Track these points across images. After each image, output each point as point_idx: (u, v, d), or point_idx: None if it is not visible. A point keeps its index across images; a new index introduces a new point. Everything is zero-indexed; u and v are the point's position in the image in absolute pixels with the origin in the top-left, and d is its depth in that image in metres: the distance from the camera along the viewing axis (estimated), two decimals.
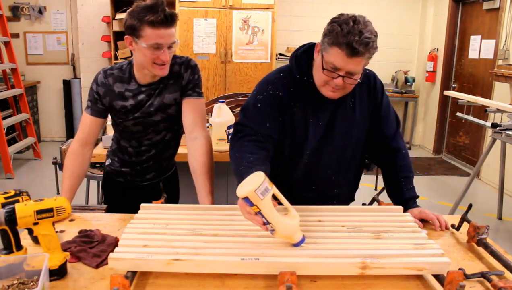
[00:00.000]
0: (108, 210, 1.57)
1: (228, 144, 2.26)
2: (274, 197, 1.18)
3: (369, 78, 1.55)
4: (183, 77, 1.65)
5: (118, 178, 1.85)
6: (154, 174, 1.84)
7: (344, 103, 1.50)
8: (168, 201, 1.58)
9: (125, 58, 5.37)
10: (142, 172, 1.82)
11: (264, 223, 1.15)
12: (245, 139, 1.41)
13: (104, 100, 1.65)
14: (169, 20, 1.47)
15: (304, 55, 1.48)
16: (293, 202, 1.31)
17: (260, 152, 1.37)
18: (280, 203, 1.21)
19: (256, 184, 1.11)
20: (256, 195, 1.10)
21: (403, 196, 1.54)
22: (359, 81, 1.39)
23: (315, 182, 1.57)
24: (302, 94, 1.47)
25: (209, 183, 1.58)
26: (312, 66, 1.46)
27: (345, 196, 1.67)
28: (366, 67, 1.49)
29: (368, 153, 1.68)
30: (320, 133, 1.50)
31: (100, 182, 3.00)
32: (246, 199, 1.12)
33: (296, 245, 1.16)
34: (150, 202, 1.46)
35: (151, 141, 1.76)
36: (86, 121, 1.67)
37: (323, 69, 1.36)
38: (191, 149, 1.64)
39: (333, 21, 1.34)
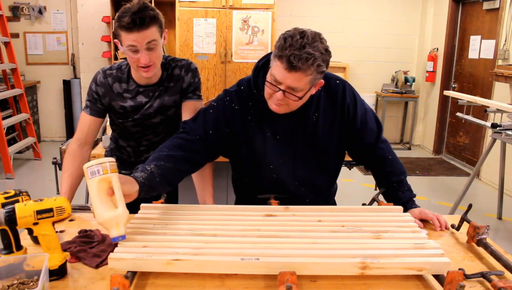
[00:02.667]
0: None
1: None
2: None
3: (337, 90, 1.49)
4: (184, 80, 1.67)
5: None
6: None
7: (306, 118, 1.46)
8: (167, 201, 1.58)
9: (125, 58, 5.35)
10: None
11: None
12: (179, 135, 1.45)
13: (103, 100, 1.66)
14: (138, 23, 1.43)
15: (263, 67, 1.45)
16: (298, 203, 1.31)
17: (178, 151, 1.39)
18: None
19: (90, 163, 1.14)
20: (86, 173, 1.14)
21: (400, 200, 1.54)
22: (299, 98, 1.33)
23: (286, 192, 1.56)
24: (258, 107, 1.46)
25: (209, 183, 1.59)
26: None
27: (319, 204, 1.58)
28: (340, 77, 1.50)
29: (357, 160, 1.68)
30: (280, 148, 1.49)
31: None
32: (91, 173, 1.15)
33: (113, 240, 1.14)
34: (150, 202, 1.46)
35: (150, 142, 1.77)
36: (84, 121, 1.66)
37: (266, 81, 1.35)
38: None
39: (283, 34, 1.30)
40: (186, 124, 1.49)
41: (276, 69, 1.29)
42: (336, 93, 1.49)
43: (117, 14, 1.50)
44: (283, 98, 1.33)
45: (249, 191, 1.63)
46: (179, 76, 1.67)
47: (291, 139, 1.48)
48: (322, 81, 1.38)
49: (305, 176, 1.55)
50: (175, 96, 1.68)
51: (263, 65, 1.47)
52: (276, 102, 1.36)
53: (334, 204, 1.73)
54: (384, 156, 1.58)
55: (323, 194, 1.65)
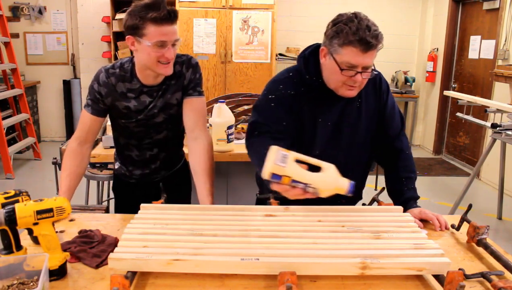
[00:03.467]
0: (118, 212, 1.56)
1: (228, 144, 2.29)
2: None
3: (375, 78, 1.55)
4: (185, 76, 1.64)
5: (130, 180, 1.83)
6: (163, 170, 1.84)
7: (352, 102, 1.51)
8: (180, 195, 1.59)
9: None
10: (150, 170, 1.81)
11: (304, 189, 1.12)
12: (263, 136, 1.41)
13: (106, 100, 1.62)
14: (172, 16, 1.45)
15: (311, 56, 1.49)
16: (299, 202, 1.31)
17: (279, 143, 1.34)
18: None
19: (272, 156, 1.08)
20: (278, 166, 1.08)
21: (403, 196, 1.54)
22: (376, 72, 1.42)
23: None
24: (311, 94, 1.48)
25: (209, 183, 1.58)
26: (319, 66, 1.47)
27: (353, 195, 1.66)
28: (372, 68, 1.51)
29: (373, 153, 1.69)
30: (328, 134, 1.52)
31: (103, 183, 3.01)
32: (274, 176, 1.08)
33: (349, 192, 1.13)
34: (150, 202, 1.46)
35: (152, 140, 1.75)
36: (85, 120, 1.63)
37: (341, 70, 1.36)
38: (192, 149, 1.64)
39: (336, 22, 1.35)
40: (257, 123, 1.45)
41: (350, 55, 1.34)
42: (375, 80, 1.55)
43: (134, 9, 1.45)
44: (361, 80, 1.39)
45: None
46: (180, 72, 1.63)
47: (339, 125, 1.52)
48: None
49: (346, 163, 1.56)
50: (177, 93, 1.65)
51: (310, 54, 1.50)
52: (350, 87, 1.41)
53: (361, 198, 1.74)
54: (402, 148, 1.62)
55: (358, 184, 1.67)
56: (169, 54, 1.48)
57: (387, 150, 1.63)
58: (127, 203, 1.77)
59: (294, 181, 1.10)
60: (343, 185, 1.13)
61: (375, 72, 1.52)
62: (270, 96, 1.49)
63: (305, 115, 1.48)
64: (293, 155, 1.12)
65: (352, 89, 1.42)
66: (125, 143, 1.77)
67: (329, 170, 1.14)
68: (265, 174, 1.11)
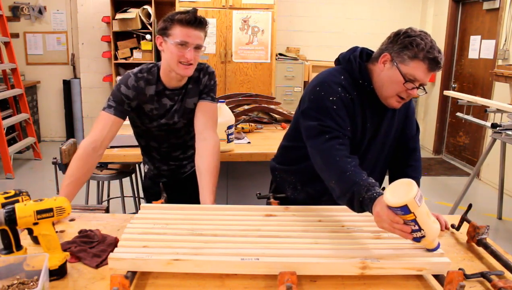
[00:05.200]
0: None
1: (228, 144, 2.29)
2: None
3: None
4: (201, 82, 1.74)
5: (161, 179, 1.88)
6: (189, 165, 1.91)
7: (389, 109, 1.52)
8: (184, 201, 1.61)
9: (125, 58, 5.37)
10: (176, 165, 1.89)
11: (412, 232, 1.11)
12: (335, 141, 1.37)
13: (132, 103, 1.66)
14: (198, 21, 1.57)
15: (360, 60, 1.48)
16: (299, 202, 1.29)
17: (354, 157, 1.36)
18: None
19: (414, 191, 1.08)
20: (415, 203, 1.07)
21: None
22: (425, 92, 1.45)
23: None
24: (362, 98, 1.48)
25: (212, 183, 1.59)
26: (368, 72, 1.46)
27: None
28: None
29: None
30: (373, 137, 1.53)
31: (103, 183, 3.01)
32: (403, 207, 1.07)
33: (433, 250, 1.15)
34: (150, 202, 1.46)
35: (170, 144, 1.82)
36: (106, 121, 1.61)
37: (405, 81, 1.37)
38: (199, 149, 1.67)
39: (409, 35, 1.36)
40: (327, 127, 1.39)
41: (417, 69, 1.36)
42: None
43: (168, 15, 1.60)
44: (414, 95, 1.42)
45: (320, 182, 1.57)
46: (197, 78, 1.74)
47: (377, 130, 1.53)
48: None
49: (375, 165, 1.60)
50: (194, 98, 1.75)
51: (359, 57, 1.49)
52: (400, 100, 1.43)
53: None
54: (415, 149, 1.66)
55: (379, 183, 1.69)
56: (189, 55, 1.58)
57: (401, 150, 1.65)
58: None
59: (414, 221, 1.10)
60: (436, 242, 1.15)
61: (425, 92, 1.52)
62: (331, 98, 1.43)
63: (357, 119, 1.48)
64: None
65: (401, 102, 1.44)
66: (146, 145, 1.85)
67: (437, 223, 1.15)
68: (398, 202, 1.08)
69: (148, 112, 1.70)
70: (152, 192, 1.95)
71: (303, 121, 1.47)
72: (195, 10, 1.59)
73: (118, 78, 1.69)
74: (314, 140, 1.40)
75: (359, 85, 1.47)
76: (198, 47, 1.60)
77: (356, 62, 1.47)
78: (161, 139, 1.80)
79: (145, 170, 1.99)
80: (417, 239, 1.13)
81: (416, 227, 1.11)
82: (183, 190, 1.93)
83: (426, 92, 1.44)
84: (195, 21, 1.57)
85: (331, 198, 1.36)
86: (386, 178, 1.67)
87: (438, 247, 1.16)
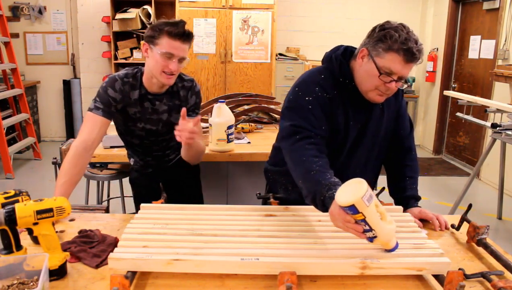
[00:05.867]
0: (138, 204, 1.58)
1: (228, 144, 2.29)
2: None
3: None
4: (188, 102, 1.81)
5: (148, 170, 1.96)
6: (174, 153, 1.96)
7: (377, 106, 1.52)
8: (194, 177, 1.71)
9: (125, 58, 5.37)
10: (161, 156, 1.93)
11: (364, 231, 1.12)
12: (305, 141, 1.38)
13: (118, 105, 1.72)
14: (186, 35, 1.63)
15: (342, 58, 1.48)
16: (299, 203, 1.29)
17: (323, 156, 1.36)
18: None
19: (362, 190, 1.08)
20: (363, 202, 1.07)
21: (405, 193, 1.56)
22: (408, 84, 1.42)
23: (344, 181, 1.57)
24: (344, 96, 1.48)
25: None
26: (350, 69, 1.47)
27: None
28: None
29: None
30: (355, 136, 1.52)
31: (103, 183, 3.01)
32: (351, 207, 1.08)
33: (391, 250, 1.14)
34: (150, 202, 1.46)
35: (150, 141, 1.86)
36: (95, 122, 1.65)
37: (380, 74, 1.36)
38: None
39: (385, 27, 1.35)
40: (298, 127, 1.41)
41: (393, 62, 1.34)
42: None
43: (157, 23, 1.64)
44: (394, 88, 1.40)
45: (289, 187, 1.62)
46: (185, 97, 1.81)
47: (365, 128, 1.52)
48: None
49: (366, 164, 1.60)
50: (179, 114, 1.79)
51: (342, 55, 1.49)
52: (381, 93, 1.41)
53: None
54: (410, 148, 1.65)
55: (372, 184, 1.70)
56: (173, 66, 1.63)
57: (396, 149, 1.65)
58: (146, 193, 1.90)
59: (363, 221, 1.10)
60: (393, 242, 1.15)
61: (406, 85, 1.52)
62: (307, 98, 1.45)
63: (339, 118, 1.48)
64: (375, 197, 1.13)
65: (382, 95, 1.43)
66: (129, 141, 1.90)
67: (392, 224, 1.15)
68: (345, 201, 1.09)
69: (132, 114, 1.76)
70: (139, 183, 2.03)
71: (280, 122, 1.51)
72: (184, 23, 1.64)
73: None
74: (286, 141, 1.43)
75: (340, 83, 1.47)
76: (182, 59, 1.66)
77: (337, 60, 1.48)
78: (141, 137, 1.85)
79: (132, 163, 2.03)
80: (370, 239, 1.13)
81: (367, 227, 1.11)
82: (181, 189, 1.95)
83: (408, 85, 1.45)
84: (183, 35, 1.62)
85: None
86: (385, 178, 1.68)
87: (395, 247, 1.14)
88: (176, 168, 1.97)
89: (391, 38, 1.32)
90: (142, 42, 1.68)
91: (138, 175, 2.02)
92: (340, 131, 1.49)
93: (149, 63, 1.67)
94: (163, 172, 1.95)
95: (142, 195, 1.93)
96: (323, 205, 1.21)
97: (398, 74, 1.36)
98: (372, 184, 1.71)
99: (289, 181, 1.63)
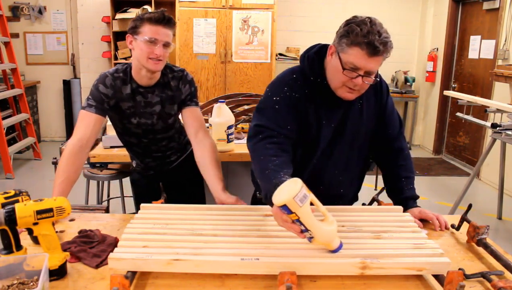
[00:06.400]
0: (138, 205, 1.57)
1: (228, 144, 2.29)
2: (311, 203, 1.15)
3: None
4: (182, 91, 1.78)
5: (149, 172, 1.96)
6: (176, 155, 1.96)
7: (353, 104, 1.51)
8: (197, 177, 1.69)
9: (125, 58, 5.37)
10: (162, 157, 1.93)
11: (302, 231, 1.12)
12: (267, 141, 1.38)
13: (110, 101, 1.71)
14: (166, 19, 1.62)
15: (315, 56, 1.48)
16: None
17: (283, 155, 1.35)
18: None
19: (294, 191, 1.07)
20: (295, 203, 1.07)
21: (403, 195, 1.55)
22: (377, 80, 1.41)
23: (322, 182, 1.57)
24: (315, 95, 1.47)
25: (218, 172, 1.63)
26: (323, 67, 1.46)
27: (350, 196, 1.68)
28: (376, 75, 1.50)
29: (371, 153, 1.68)
30: (331, 135, 1.51)
31: (103, 183, 3.01)
32: (284, 207, 1.08)
33: (334, 251, 1.14)
34: (150, 202, 1.46)
35: (149, 139, 1.86)
36: (89, 120, 1.64)
37: (343, 69, 1.35)
38: (198, 150, 1.72)
39: (350, 22, 1.34)
40: (262, 127, 1.42)
41: (356, 56, 1.32)
42: (375, 82, 1.53)
43: (138, 15, 1.67)
44: (361, 84, 1.37)
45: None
46: (177, 87, 1.78)
47: (342, 126, 1.51)
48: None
49: (346, 164, 1.58)
50: (174, 105, 1.80)
51: (314, 54, 1.48)
52: (350, 89, 1.39)
53: (357, 199, 1.75)
54: (402, 148, 1.63)
55: (355, 185, 1.69)
56: (158, 51, 1.62)
57: (387, 150, 1.63)
58: (146, 194, 1.87)
59: (298, 221, 1.10)
60: (336, 244, 1.14)
61: (377, 79, 1.51)
62: (274, 98, 1.46)
63: (310, 118, 1.47)
64: (311, 197, 1.12)
65: (352, 92, 1.40)
66: (127, 141, 1.90)
67: (332, 225, 1.14)
68: (278, 201, 1.09)
69: (125, 110, 1.75)
70: (140, 184, 2.04)
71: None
72: (164, 10, 1.64)
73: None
74: (250, 141, 1.43)
75: (312, 82, 1.47)
76: (166, 44, 1.65)
77: (308, 59, 1.47)
78: (139, 136, 1.84)
79: (133, 165, 2.04)
80: (309, 239, 1.13)
81: (303, 227, 1.11)
82: (181, 190, 1.94)
83: (377, 81, 1.41)
84: (163, 19, 1.62)
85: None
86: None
87: (339, 248, 1.14)
88: (179, 169, 1.96)
89: (353, 32, 1.31)
90: (126, 36, 1.70)
91: (139, 176, 2.03)
92: (312, 130, 1.48)
93: (135, 54, 1.67)
94: (165, 174, 1.93)
95: (143, 196, 1.92)
96: (272, 204, 1.22)
97: (364, 69, 1.34)
98: (357, 184, 1.69)
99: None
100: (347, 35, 1.32)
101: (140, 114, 1.77)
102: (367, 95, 1.52)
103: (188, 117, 1.77)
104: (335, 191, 1.60)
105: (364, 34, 1.29)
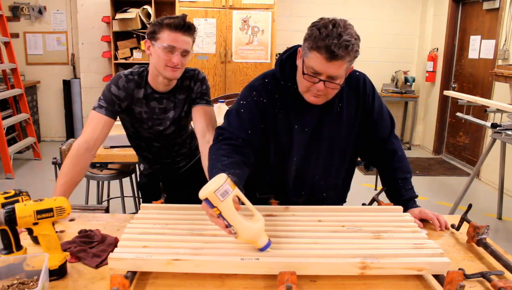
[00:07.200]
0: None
1: None
2: (241, 202, 1.17)
3: (358, 81, 1.51)
4: (193, 90, 1.74)
5: (158, 177, 1.91)
6: (185, 161, 1.95)
7: (331, 108, 1.47)
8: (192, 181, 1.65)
9: (125, 58, 5.37)
10: (171, 163, 1.91)
11: (226, 226, 1.12)
12: (223, 142, 1.39)
13: (122, 104, 1.67)
14: (186, 26, 1.58)
15: (288, 60, 1.46)
16: (299, 202, 1.28)
17: (235, 156, 1.33)
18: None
19: (216, 185, 1.09)
20: (215, 197, 1.08)
21: (401, 197, 1.54)
22: (342, 86, 1.36)
23: (303, 187, 1.57)
24: (286, 100, 1.45)
25: None
26: (296, 71, 1.44)
27: (335, 199, 1.65)
28: (356, 69, 1.48)
29: (364, 155, 1.67)
30: (306, 140, 1.49)
31: (103, 183, 3.01)
32: (206, 200, 1.10)
33: (262, 249, 1.13)
34: (150, 202, 1.46)
35: (161, 144, 1.84)
36: (98, 121, 1.61)
37: (303, 74, 1.33)
38: (205, 151, 1.66)
39: (313, 25, 1.31)
40: (223, 129, 1.44)
41: (315, 61, 1.29)
42: (358, 84, 1.51)
43: (158, 19, 1.61)
44: (324, 89, 1.33)
45: (262, 187, 1.59)
46: (188, 87, 1.74)
47: (318, 131, 1.49)
48: (353, 66, 1.39)
49: (326, 168, 1.56)
50: (186, 106, 1.76)
51: (287, 57, 1.46)
52: (315, 94, 1.36)
53: (345, 201, 1.73)
54: (394, 150, 1.59)
55: (339, 189, 1.66)
56: (176, 60, 1.58)
57: (380, 152, 1.60)
58: (154, 198, 1.84)
59: (221, 216, 1.11)
60: (262, 242, 1.13)
61: (358, 75, 1.49)
62: (241, 102, 1.46)
63: (279, 123, 1.46)
64: (235, 193, 1.13)
65: (317, 96, 1.37)
66: (138, 145, 1.87)
67: (258, 222, 1.15)
68: (201, 195, 1.11)
69: (137, 114, 1.72)
70: (147, 188, 2.01)
71: None
72: (184, 16, 1.60)
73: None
74: (212, 143, 1.45)
75: (282, 87, 1.45)
76: (185, 52, 1.60)
77: (280, 63, 1.46)
78: (150, 140, 1.81)
79: (141, 169, 2.03)
80: (234, 235, 1.14)
81: (226, 223, 1.12)
82: (182, 190, 1.94)
83: (340, 87, 1.35)
84: (184, 26, 1.57)
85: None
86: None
87: (267, 246, 1.13)
88: (186, 179, 1.93)
89: (312, 36, 1.28)
90: (143, 41, 1.64)
91: (147, 181, 2.01)
92: (282, 135, 1.47)
93: (152, 60, 1.63)
94: (174, 183, 1.89)
95: (151, 200, 1.92)
96: None
97: (325, 74, 1.30)
98: (342, 188, 1.67)
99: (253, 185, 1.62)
100: (308, 39, 1.30)
101: (154, 120, 1.74)
102: (347, 98, 1.49)
103: (197, 115, 1.72)
104: (318, 195, 1.59)
105: (323, 38, 1.25)
